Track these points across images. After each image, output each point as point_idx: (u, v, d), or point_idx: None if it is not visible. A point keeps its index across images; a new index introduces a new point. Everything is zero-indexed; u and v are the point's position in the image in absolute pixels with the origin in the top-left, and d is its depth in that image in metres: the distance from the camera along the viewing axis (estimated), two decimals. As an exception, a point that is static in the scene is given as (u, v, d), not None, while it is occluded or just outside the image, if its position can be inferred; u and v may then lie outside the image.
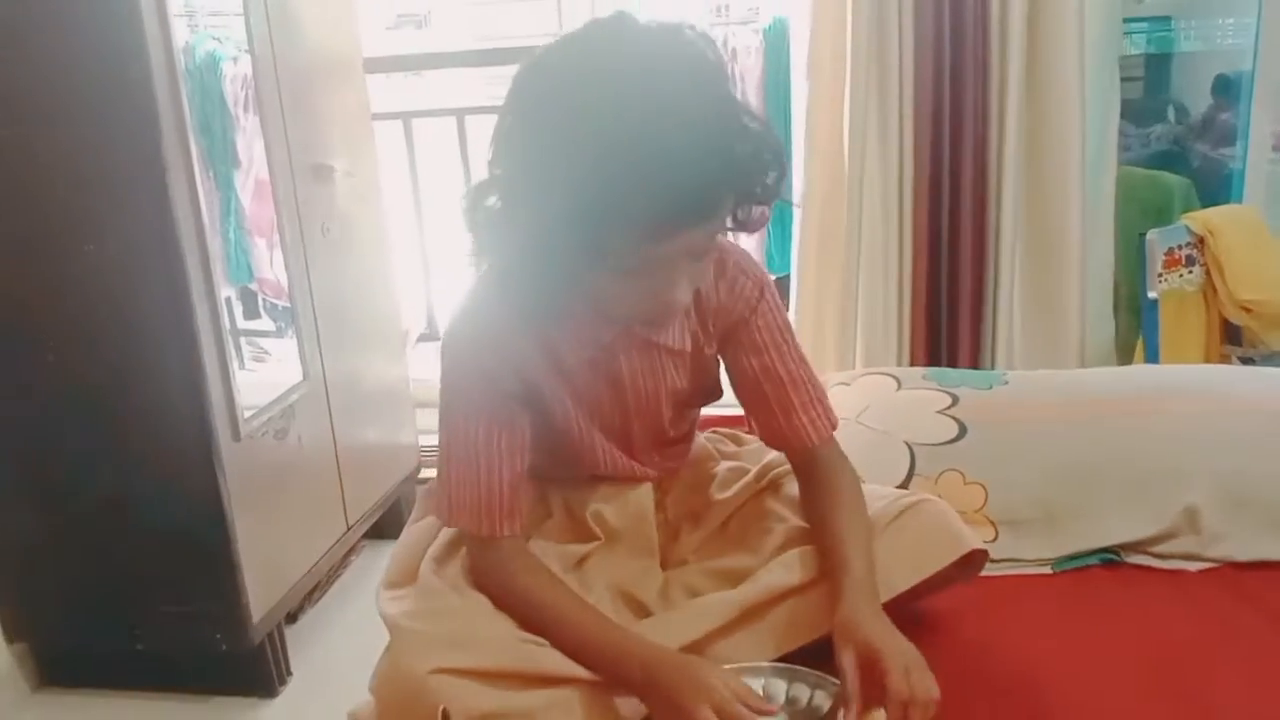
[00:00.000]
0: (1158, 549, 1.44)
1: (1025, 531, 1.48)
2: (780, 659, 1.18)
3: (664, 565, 1.34)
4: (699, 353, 1.27)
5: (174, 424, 1.96)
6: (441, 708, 0.95)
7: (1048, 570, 1.46)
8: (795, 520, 1.30)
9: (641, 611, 1.27)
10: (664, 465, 1.37)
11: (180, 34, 1.87)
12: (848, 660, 1.06)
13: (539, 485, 1.34)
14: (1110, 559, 1.46)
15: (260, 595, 2.10)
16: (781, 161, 1.07)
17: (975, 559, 1.26)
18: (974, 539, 1.25)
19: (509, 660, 1.08)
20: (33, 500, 2.05)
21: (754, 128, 1.02)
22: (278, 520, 2.20)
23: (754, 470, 1.39)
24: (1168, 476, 1.48)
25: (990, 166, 2.39)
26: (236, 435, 2.04)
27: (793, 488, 1.35)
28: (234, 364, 2.03)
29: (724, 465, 1.43)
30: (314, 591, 2.47)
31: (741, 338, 1.26)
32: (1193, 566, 1.42)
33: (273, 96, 2.21)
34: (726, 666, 1.12)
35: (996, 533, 1.49)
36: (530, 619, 1.15)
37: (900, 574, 1.21)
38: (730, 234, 1.15)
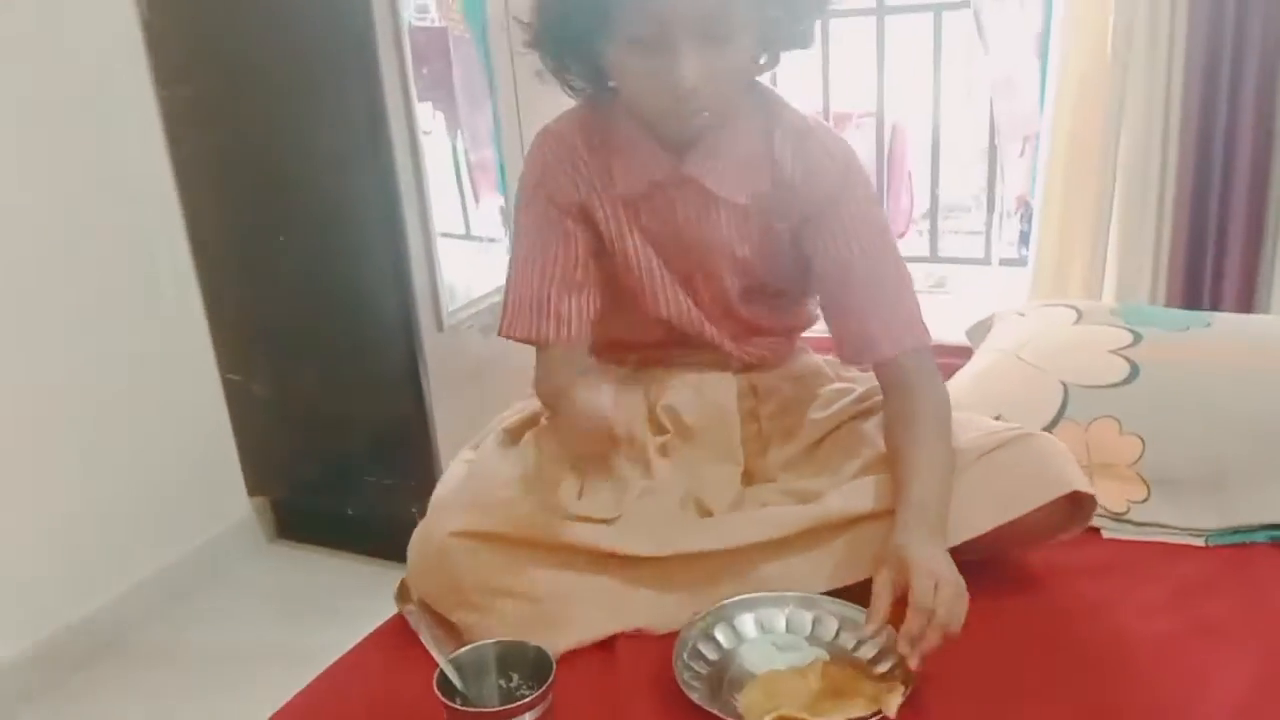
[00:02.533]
0: (1347, 533, 1.19)
1: (1183, 494, 1.26)
2: (841, 592, 1.10)
3: (750, 479, 1.28)
4: (765, 221, 1.19)
5: (382, 312, 2.14)
6: (400, 580, 0.97)
7: (1200, 542, 1.24)
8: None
9: (707, 516, 1.22)
10: (741, 347, 1.29)
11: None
12: (881, 578, 0.99)
13: (620, 375, 1.32)
14: (1283, 538, 1.22)
15: (456, 477, 2.25)
16: None
17: (1083, 507, 1.11)
18: (1080, 481, 1.09)
19: (530, 529, 1.10)
20: (268, 372, 2.30)
21: None
22: (479, 409, 2.31)
23: (858, 392, 1.29)
24: (1376, 448, 1.21)
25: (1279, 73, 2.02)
26: (440, 326, 2.18)
27: None
28: (440, 260, 2.15)
29: (832, 386, 1.33)
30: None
31: (823, 225, 1.17)
32: (1388, 559, 1.16)
33: (497, 2, 2.27)
34: (743, 597, 1.09)
35: (1149, 492, 1.28)
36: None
37: (983, 513, 1.08)
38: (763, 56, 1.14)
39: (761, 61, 1.16)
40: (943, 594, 0.95)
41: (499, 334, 1.25)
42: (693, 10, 0.98)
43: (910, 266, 1.22)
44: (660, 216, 1.20)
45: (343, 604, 2.21)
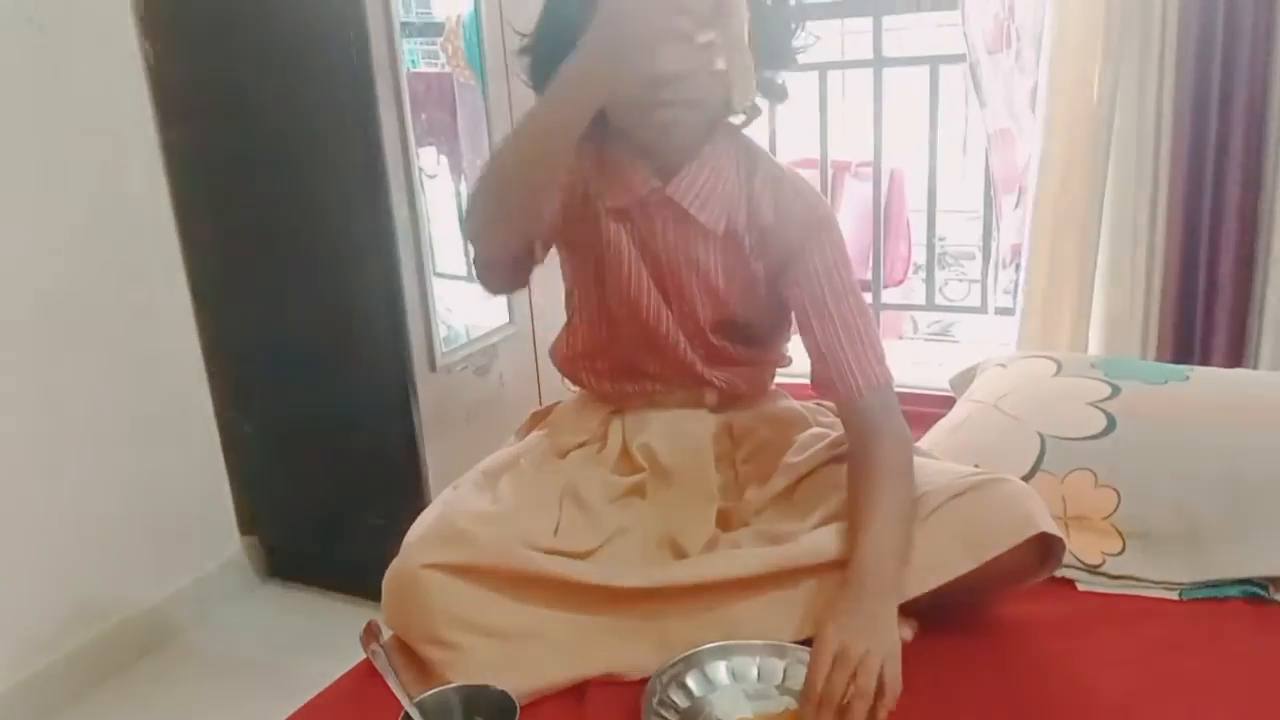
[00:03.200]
0: (1319, 590, 1.19)
1: (1158, 548, 1.26)
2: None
3: (725, 522, 1.29)
4: (741, 257, 1.24)
5: (377, 353, 2.16)
6: (368, 622, 0.98)
7: (1174, 596, 1.24)
8: None
9: (681, 556, 1.22)
10: (713, 372, 1.32)
11: None
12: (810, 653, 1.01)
13: (602, 413, 1.36)
14: (1256, 593, 1.21)
15: (447, 519, 2.25)
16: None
17: (1053, 551, 1.12)
18: (1049, 523, 1.09)
19: (501, 559, 1.10)
20: (263, 411, 2.33)
21: None
22: (471, 450, 2.32)
23: (832, 437, 1.30)
24: (1349, 504, 1.21)
25: (1271, 124, 2.05)
26: (433, 367, 2.20)
27: None
28: (435, 302, 2.18)
29: (809, 431, 1.35)
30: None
31: (794, 268, 1.23)
32: (1362, 617, 1.16)
33: (497, 49, 2.32)
34: (715, 645, 1.09)
35: (1124, 545, 1.28)
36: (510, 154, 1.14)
37: (956, 556, 1.09)
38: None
39: (745, 109, 1.21)
40: (838, 674, 0.96)
41: (465, 237, 1.31)
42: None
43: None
44: (642, 235, 1.24)
45: (332, 644, 2.19)
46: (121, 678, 2.11)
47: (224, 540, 2.39)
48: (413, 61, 2.14)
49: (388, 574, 1.14)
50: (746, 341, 1.33)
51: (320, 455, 2.29)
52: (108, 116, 2.07)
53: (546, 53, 1.18)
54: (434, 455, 2.20)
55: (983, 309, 3.23)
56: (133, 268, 2.14)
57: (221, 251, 2.24)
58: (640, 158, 1.21)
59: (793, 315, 1.28)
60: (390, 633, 1.16)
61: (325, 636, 2.23)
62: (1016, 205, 3.01)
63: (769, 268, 1.25)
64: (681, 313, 1.28)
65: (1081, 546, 1.29)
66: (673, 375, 1.33)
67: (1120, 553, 1.28)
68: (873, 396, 1.19)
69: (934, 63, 3.02)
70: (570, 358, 1.38)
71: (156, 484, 2.21)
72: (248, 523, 2.41)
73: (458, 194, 2.40)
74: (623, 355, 1.34)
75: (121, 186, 2.10)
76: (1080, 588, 1.27)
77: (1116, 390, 1.43)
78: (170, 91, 2.15)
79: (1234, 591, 1.22)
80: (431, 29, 2.30)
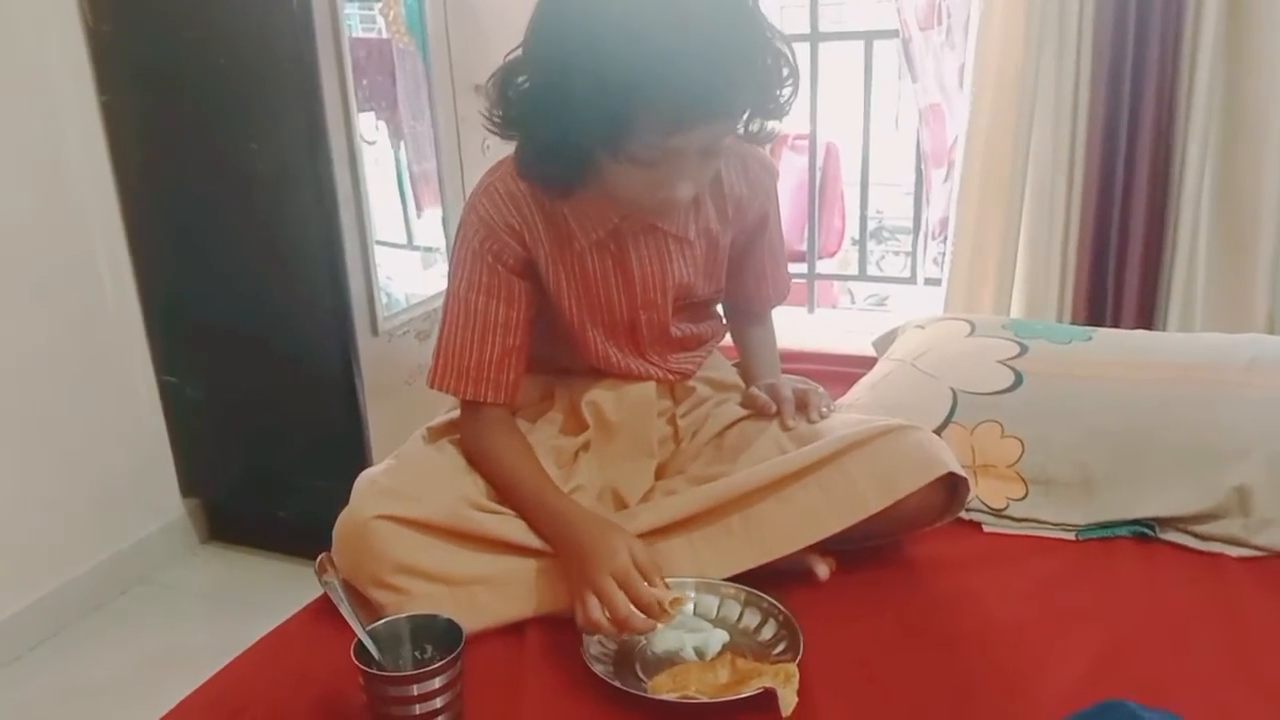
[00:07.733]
0: (1199, 529, 1.28)
1: (1057, 493, 1.36)
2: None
3: (663, 471, 1.36)
4: (712, 244, 1.31)
5: (319, 318, 2.18)
6: (320, 556, 1.02)
7: (1071, 536, 1.33)
8: (783, 438, 1.28)
9: (622, 506, 1.29)
10: (671, 368, 1.38)
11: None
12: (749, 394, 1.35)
13: (546, 378, 1.39)
14: (1143, 533, 1.31)
15: (388, 481, 2.29)
16: (796, 79, 1.14)
17: (959, 494, 1.21)
18: (955, 464, 1.19)
19: (448, 518, 1.15)
20: (204, 375, 2.34)
21: (774, 42, 1.09)
22: (412, 413, 2.36)
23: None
24: (1224, 452, 1.31)
25: (1179, 107, 2.16)
26: (375, 331, 2.23)
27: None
28: (376, 267, 2.21)
29: (739, 387, 1.43)
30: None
31: (760, 235, 1.37)
32: (1234, 552, 1.26)
33: (439, 17, 2.34)
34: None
35: (1026, 490, 1.38)
36: (494, 480, 1.24)
37: (872, 494, 1.16)
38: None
39: None
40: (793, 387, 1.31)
41: (429, 384, 1.28)
42: (704, 140, 1.06)
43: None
44: (613, 263, 1.26)
45: (272, 604, 2.22)
46: (62, 638, 2.13)
47: (165, 502, 2.41)
48: (350, 26, 2.15)
49: (339, 520, 1.18)
50: (698, 319, 1.39)
51: (262, 418, 2.31)
52: (45, 77, 2.06)
53: (538, 147, 1.15)
54: (375, 418, 2.24)
55: (912, 280, 3.33)
56: (74, 234, 2.14)
57: (161, 213, 2.24)
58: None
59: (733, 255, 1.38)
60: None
61: (265, 596, 2.27)
62: (945, 179, 3.11)
63: (740, 229, 1.33)
64: (651, 319, 1.31)
65: (988, 492, 1.38)
66: (630, 375, 1.36)
67: (1023, 498, 1.37)
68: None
69: (869, 38, 3.09)
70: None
71: (97, 446, 2.22)
72: (189, 485, 2.43)
73: (397, 160, 2.42)
74: (570, 364, 1.37)
75: (59, 147, 2.10)
76: (986, 529, 1.37)
77: (1025, 349, 1.52)
78: (109, 53, 2.15)
79: (1124, 531, 1.32)
80: (369, -7, 2.31)
